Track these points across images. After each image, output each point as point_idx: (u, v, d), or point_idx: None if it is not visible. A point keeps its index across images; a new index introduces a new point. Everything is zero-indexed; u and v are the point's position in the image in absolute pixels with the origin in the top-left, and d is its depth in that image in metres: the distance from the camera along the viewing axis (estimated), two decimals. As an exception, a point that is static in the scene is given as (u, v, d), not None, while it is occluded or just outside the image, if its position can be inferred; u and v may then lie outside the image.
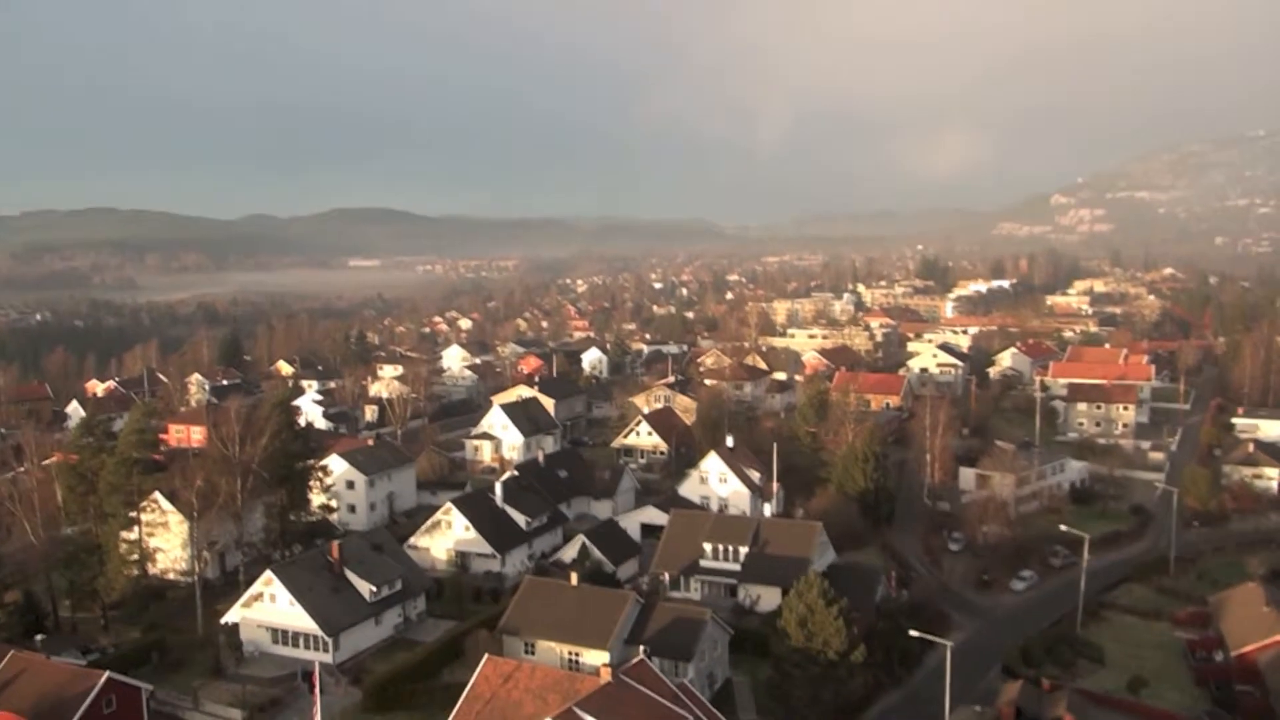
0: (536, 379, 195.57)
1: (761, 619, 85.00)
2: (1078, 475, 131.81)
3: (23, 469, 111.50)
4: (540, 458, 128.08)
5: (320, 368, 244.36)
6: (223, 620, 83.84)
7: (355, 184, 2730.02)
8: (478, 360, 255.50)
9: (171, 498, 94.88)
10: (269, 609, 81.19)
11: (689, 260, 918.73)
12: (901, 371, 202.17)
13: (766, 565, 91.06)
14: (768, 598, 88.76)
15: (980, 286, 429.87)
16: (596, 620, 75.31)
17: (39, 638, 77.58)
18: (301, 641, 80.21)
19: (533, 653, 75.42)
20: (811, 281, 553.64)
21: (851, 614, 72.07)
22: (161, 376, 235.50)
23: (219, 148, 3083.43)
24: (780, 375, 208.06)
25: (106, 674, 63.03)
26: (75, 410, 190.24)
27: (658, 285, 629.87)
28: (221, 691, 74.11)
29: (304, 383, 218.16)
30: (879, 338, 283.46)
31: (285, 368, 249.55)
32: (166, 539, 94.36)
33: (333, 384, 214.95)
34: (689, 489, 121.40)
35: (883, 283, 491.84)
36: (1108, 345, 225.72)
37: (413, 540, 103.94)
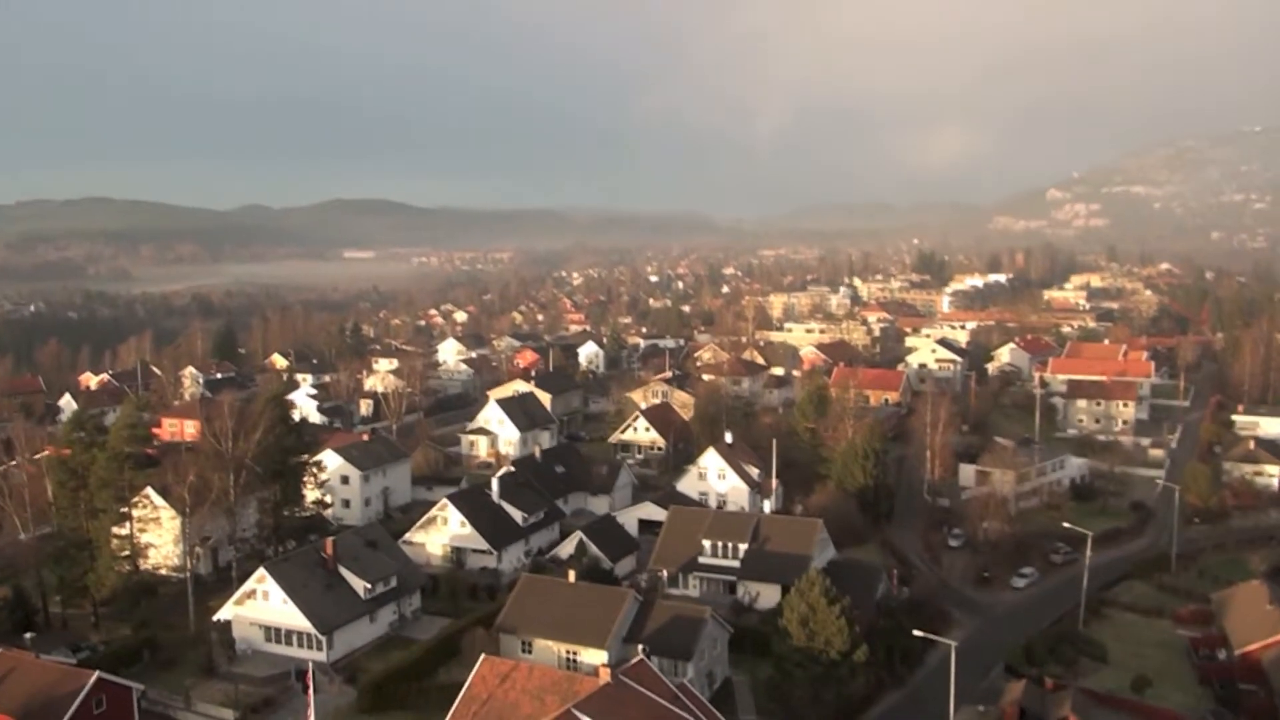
0: (533, 373, 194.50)
1: (761, 616, 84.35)
2: (1078, 472, 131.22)
3: (14, 463, 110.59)
4: (537, 453, 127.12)
5: (315, 361, 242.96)
6: (215, 618, 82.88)
7: (350, 175, 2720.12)
8: (473, 354, 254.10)
9: (164, 493, 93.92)
10: (262, 606, 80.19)
11: (684, 253, 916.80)
12: (900, 367, 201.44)
13: (766, 562, 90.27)
14: (767, 595, 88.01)
15: (977, 281, 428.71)
16: (594, 618, 74.40)
17: (28, 635, 76.69)
18: (295, 639, 79.23)
19: (530, 651, 74.54)
20: (807, 275, 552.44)
21: (853, 612, 71.29)
22: (155, 369, 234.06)
23: (215, 139, 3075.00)
24: (778, 370, 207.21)
25: (96, 674, 61.88)
26: (68, 403, 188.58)
27: (653, 278, 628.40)
28: (214, 691, 73.10)
29: (298, 376, 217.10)
30: (876, 333, 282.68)
31: (280, 361, 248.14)
32: (159, 535, 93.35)
33: (327, 377, 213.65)
34: (687, 485, 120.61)
35: (879, 277, 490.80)
36: (1106, 341, 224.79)
37: (408, 536, 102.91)
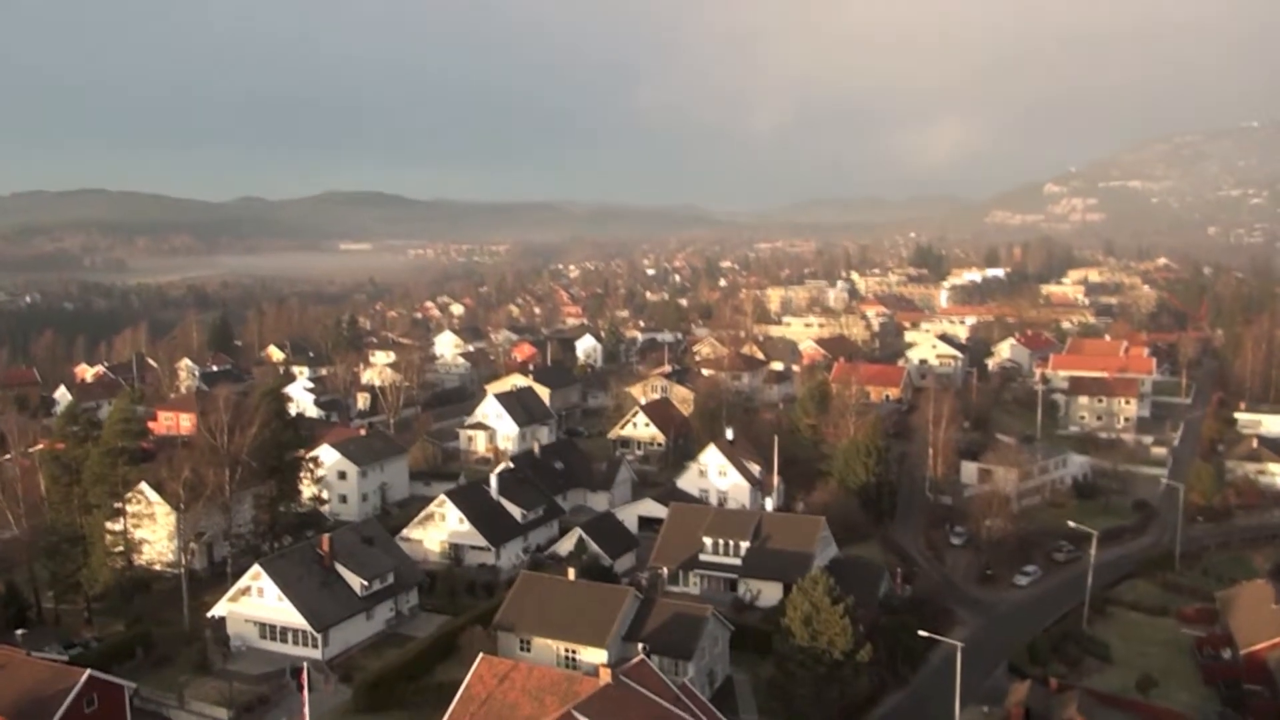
0: (531, 367, 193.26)
1: (762, 614, 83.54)
2: (1080, 470, 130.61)
3: (7, 457, 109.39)
4: (536, 448, 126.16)
5: (311, 354, 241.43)
6: (209, 614, 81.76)
7: (346, 167, 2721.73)
8: (471, 347, 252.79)
9: (158, 488, 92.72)
10: (257, 603, 79.17)
11: (681, 246, 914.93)
12: (901, 362, 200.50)
13: (768, 560, 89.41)
14: (769, 593, 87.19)
15: (975, 275, 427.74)
16: (594, 617, 73.50)
17: (20, 632, 75.55)
18: (290, 636, 78.25)
19: (528, 649, 73.64)
20: (805, 269, 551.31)
21: (856, 611, 70.42)
22: (151, 362, 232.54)
23: (211, 131, 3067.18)
24: (778, 365, 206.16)
25: (88, 672, 60.80)
26: (63, 396, 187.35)
27: (650, 271, 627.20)
28: (208, 689, 71.98)
29: (295, 369, 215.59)
30: (875, 327, 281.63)
31: (276, 353, 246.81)
32: (153, 530, 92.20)
33: (324, 371, 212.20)
34: (688, 482, 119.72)
35: (876, 270, 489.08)
36: (1107, 337, 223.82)
37: (405, 532, 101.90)
